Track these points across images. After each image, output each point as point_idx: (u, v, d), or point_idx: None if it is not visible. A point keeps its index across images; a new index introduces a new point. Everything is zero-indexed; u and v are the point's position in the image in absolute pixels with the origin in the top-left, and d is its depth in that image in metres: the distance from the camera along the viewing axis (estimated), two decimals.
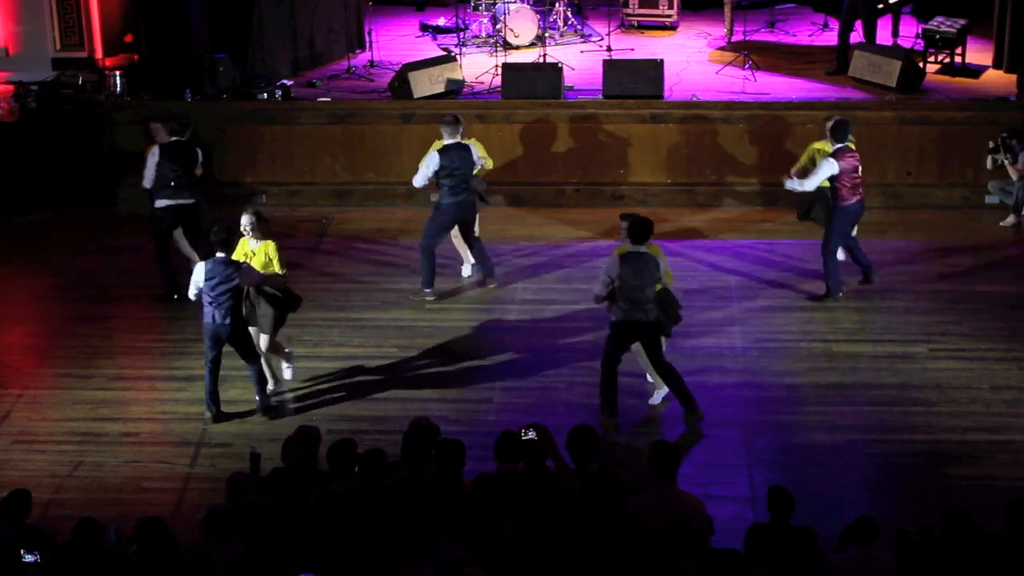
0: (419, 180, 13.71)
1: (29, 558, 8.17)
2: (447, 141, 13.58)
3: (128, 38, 17.78)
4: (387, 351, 13.03)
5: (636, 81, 16.62)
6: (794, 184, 13.51)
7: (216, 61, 16.99)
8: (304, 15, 18.26)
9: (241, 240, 11.85)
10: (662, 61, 16.84)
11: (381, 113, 16.71)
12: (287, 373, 12.41)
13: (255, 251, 11.84)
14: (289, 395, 12.28)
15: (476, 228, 14.11)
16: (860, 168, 13.36)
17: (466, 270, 14.49)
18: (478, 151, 13.79)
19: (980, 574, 8.27)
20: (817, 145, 13.77)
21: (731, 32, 18.88)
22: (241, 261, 11.59)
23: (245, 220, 11.86)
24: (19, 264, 15.26)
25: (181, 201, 13.77)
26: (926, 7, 18.80)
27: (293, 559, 8.18)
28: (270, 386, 12.14)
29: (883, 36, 18.03)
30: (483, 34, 19.25)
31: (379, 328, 13.45)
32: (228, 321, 11.46)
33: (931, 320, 13.43)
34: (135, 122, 16.40)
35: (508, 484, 8.68)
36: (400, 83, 16.80)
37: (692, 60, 18.29)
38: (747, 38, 18.39)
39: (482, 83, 17.38)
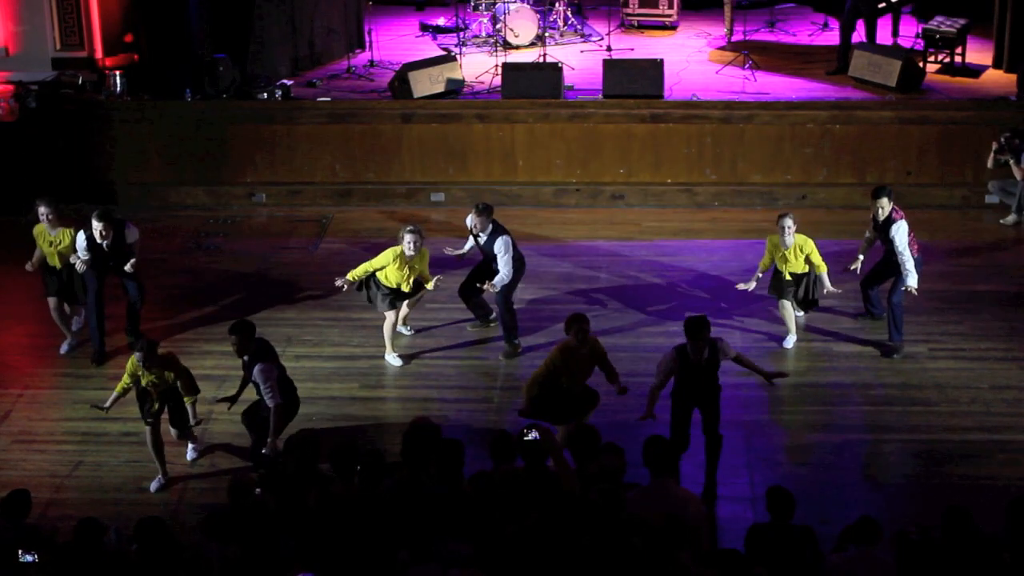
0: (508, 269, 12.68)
1: (27, 558, 8.17)
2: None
3: (128, 38, 17.76)
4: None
5: (636, 81, 16.61)
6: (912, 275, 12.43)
7: (216, 61, 16.99)
8: (304, 15, 18.25)
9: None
10: (662, 61, 16.83)
11: (381, 113, 16.70)
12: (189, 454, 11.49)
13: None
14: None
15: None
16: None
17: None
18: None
19: (980, 574, 8.27)
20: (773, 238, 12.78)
21: (731, 32, 18.87)
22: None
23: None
24: (19, 264, 15.23)
25: None
26: (926, 7, 18.79)
27: (293, 559, 8.18)
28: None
29: (883, 36, 18.02)
30: (483, 34, 19.24)
31: (379, 328, 13.41)
32: None
33: (931, 320, 13.42)
34: (135, 122, 16.41)
35: (508, 484, 8.68)
36: (400, 83, 16.79)
37: (692, 60, 18.27)
38: (747, 38, 18.39)
39: (482, 83, 17.37)
